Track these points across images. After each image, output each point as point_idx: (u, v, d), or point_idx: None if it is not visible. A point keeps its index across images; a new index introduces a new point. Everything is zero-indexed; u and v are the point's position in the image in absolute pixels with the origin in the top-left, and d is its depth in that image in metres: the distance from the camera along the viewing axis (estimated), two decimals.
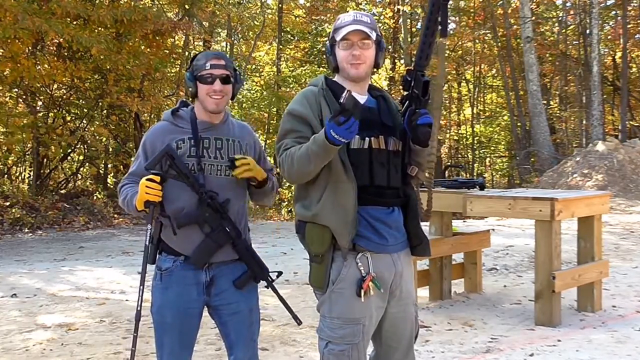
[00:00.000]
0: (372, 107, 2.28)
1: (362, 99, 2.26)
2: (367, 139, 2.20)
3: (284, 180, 19.45)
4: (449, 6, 2.14)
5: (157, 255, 2.43)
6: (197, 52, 2.49)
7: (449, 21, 2.16)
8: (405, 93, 2.20)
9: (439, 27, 2.13)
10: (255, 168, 2.40)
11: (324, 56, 2.42)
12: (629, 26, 19.06)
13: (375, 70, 2.34)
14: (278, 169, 2.32)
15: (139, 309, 2.36)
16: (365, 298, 2.17)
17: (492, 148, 25.52)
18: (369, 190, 2.19)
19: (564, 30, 21.63)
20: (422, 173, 2.30)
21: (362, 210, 2.18)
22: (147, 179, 2.29)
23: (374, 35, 2.22)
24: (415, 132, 2.16)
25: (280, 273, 2.54)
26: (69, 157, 14.18)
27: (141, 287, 2.37)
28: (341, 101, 1.96)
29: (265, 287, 2.49)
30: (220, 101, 2.39)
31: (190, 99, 2.51)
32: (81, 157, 14.84)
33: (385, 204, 2.23)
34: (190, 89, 2.42)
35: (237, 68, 2.45)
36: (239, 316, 2.44)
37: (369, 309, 2.20)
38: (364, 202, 2.17)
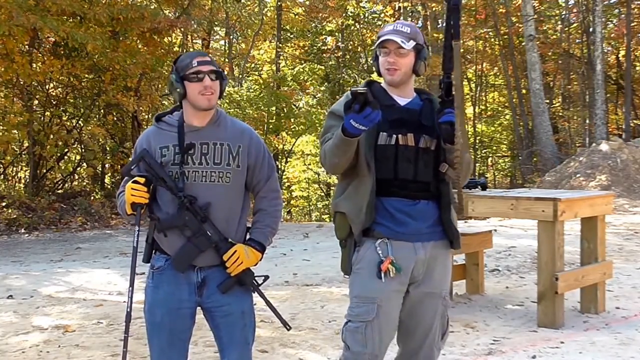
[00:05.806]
0: (412, 108, 2.43)
1: (403, 101, 2.43)
2: (394, 136, 2.37)
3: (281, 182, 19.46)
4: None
5: (152, 255, 2.42)
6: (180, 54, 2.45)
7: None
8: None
9: (452, 30, 2.26)
10: (245, 257, 2.37)
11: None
12: (632, 24, 18.97)
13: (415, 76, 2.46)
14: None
15: (128, 310, 2.37)
16: (385, 279, 2.29)
17: (494, 147, 25.42)
18: (392, 183, 2.36)
19: (566, 29, 21.52)
20: (452, 171, 2.38)
21: (385, 201, 2.35)
22: (133, 182, 2.31)
23: (408, 45, 2.35)
24: (440, 130, 2.32)
25: (266, 277, 2.50)
26: (65, 157, 14.09)
27: (130, 288, 2.38)
28: (351, 90, 2.14)
29: (252, 291, 2.46)
30: (212, 97, 2.35)
31: (178, 102, 2.44)
32: (78, 157, 14.77)
33: (408, 196, 2.37)
34: (178, 91, 2.35)
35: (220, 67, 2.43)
36: (231, 318, 2.41)
37: (386, 290, 2.32)
38: (387, 194, 2.35)
